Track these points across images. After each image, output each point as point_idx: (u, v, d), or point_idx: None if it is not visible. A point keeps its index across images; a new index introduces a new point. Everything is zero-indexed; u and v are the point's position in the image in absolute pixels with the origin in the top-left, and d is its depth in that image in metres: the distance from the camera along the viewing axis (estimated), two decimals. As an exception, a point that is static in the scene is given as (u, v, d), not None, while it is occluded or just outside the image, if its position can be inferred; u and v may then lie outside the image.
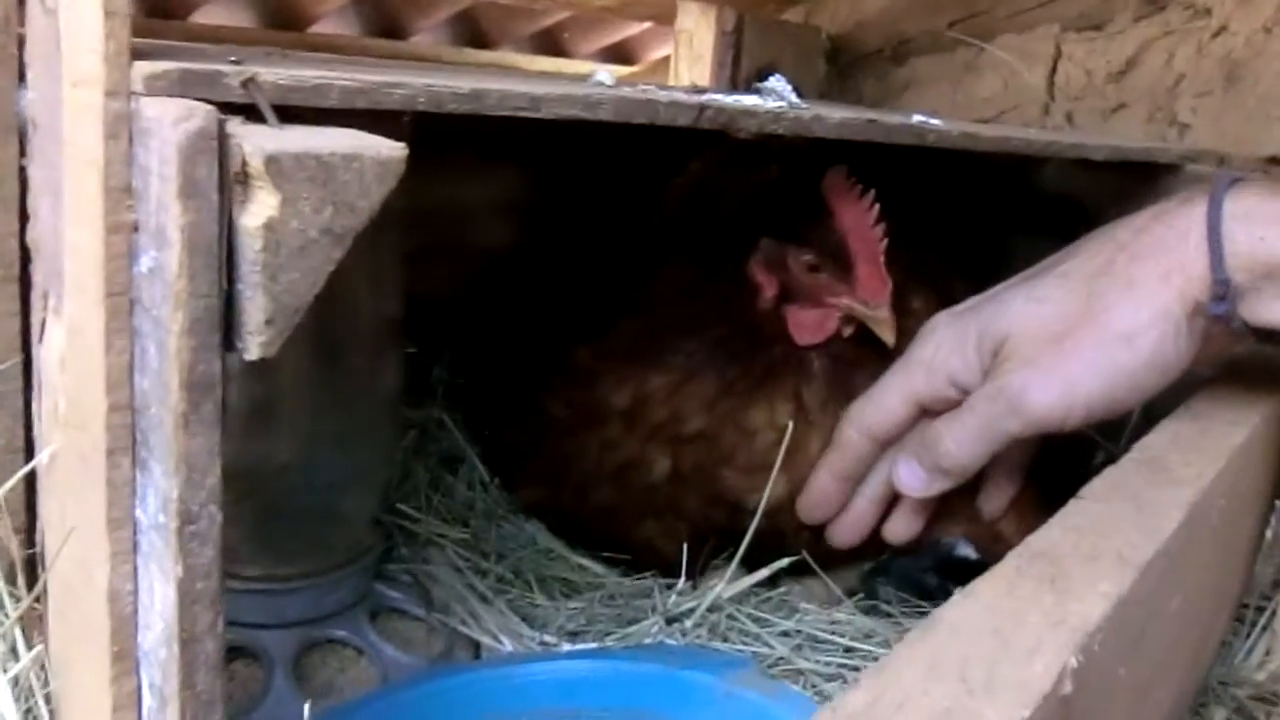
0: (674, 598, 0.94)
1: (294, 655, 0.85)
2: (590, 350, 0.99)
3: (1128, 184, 1.13)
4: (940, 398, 0.88)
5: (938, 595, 0.96)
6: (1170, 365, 0.79)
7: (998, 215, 1.21)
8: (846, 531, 0.95)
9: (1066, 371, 0.79)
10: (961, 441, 0.85)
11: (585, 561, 1.09)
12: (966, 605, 0.50)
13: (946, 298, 0.96)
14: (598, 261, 1.09)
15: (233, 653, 0.85)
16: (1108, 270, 0.81)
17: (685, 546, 0.96)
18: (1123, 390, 0.79)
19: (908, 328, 0.92)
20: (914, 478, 0.89)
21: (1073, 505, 0.65)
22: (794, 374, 0.94)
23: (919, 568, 0.99)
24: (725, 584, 0.93)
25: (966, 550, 0.97)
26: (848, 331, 0.92)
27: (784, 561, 0.95)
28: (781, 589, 1.00)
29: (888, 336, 0.89)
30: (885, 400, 0.91)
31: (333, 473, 0.85)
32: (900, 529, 0.95)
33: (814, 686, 0.89)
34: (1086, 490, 0.67)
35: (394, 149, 0.49)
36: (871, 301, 0.88)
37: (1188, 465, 0.73)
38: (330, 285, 0.46)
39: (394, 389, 0.89)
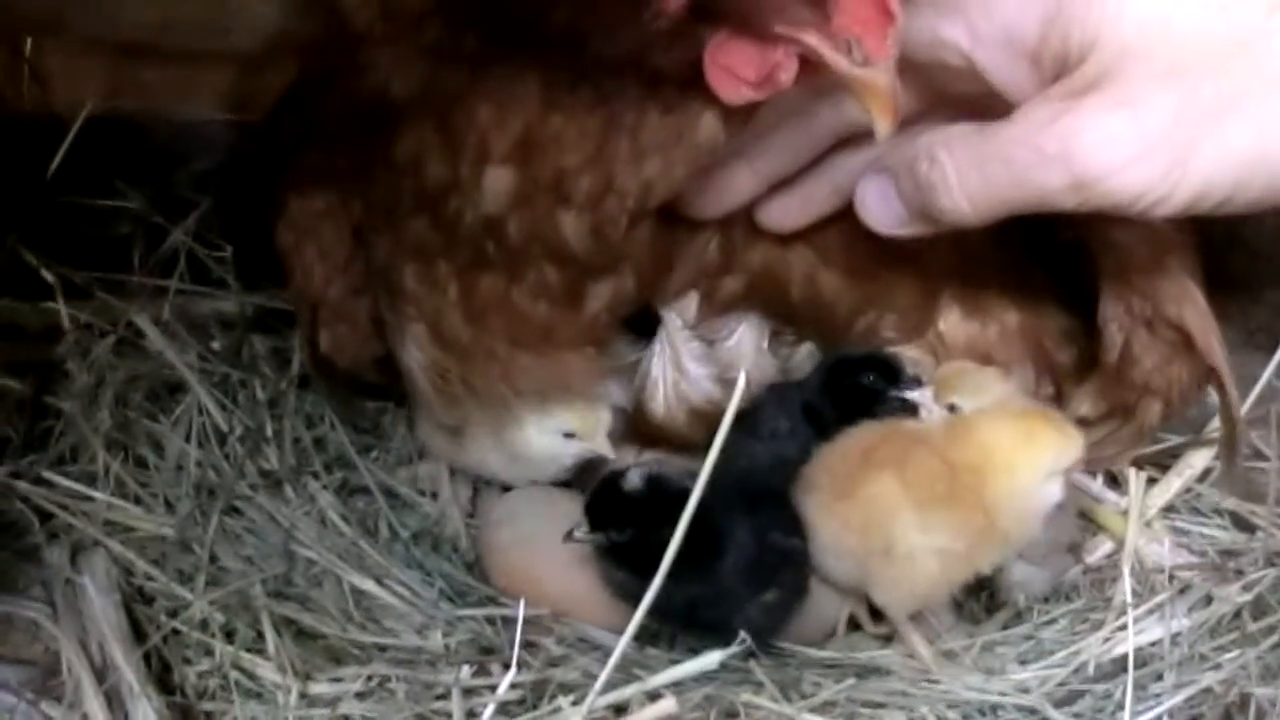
0: (493, 699, 0.48)
1: None
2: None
3: None
4: (962, 71, 0.54)
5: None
6: None
7: None
8: (785, 212, 0.63)
9: (1185, 142, 0.48)
10: (973, 192, 0.53)
11: (370, 586, 0.63)
12: None
13: None
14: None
15: None
16: None
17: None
18: (1257, 186, 0.49)
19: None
20: (886, 209, 0.58)
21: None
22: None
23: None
24: (589, 704, 0.47)
25: (634, 480, 0.63)
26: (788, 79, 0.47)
27: (713, 657, 0.50)
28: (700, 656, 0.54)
29: (882, 123, 0.47)
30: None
31: None
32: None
33: None
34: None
35: None
36: (860, 50, 0.45)
37: None
38: None
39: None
